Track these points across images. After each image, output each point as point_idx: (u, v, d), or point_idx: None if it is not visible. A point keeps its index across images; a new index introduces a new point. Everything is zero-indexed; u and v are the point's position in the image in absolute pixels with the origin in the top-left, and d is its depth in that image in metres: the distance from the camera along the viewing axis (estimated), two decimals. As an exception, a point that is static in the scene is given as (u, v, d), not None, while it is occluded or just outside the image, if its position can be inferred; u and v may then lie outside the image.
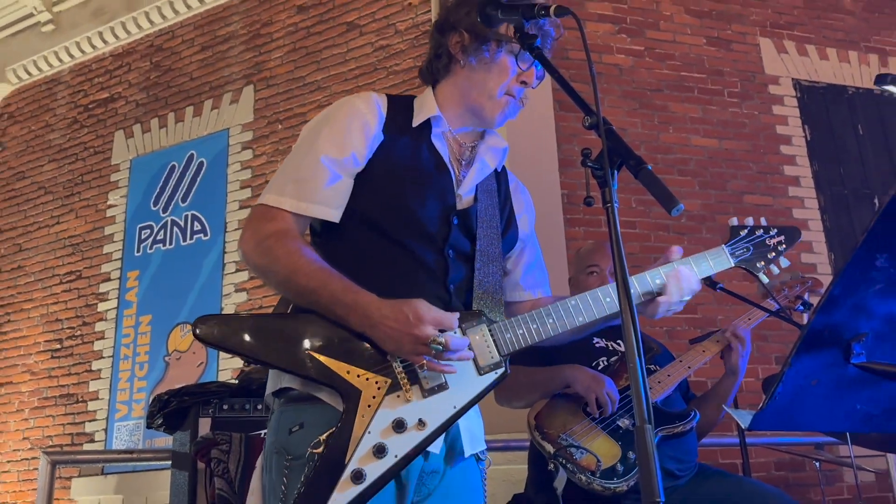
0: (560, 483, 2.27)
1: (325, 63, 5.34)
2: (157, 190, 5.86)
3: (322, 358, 1.41)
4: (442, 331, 1.41)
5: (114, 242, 5.92)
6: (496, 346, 1.51)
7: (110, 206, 6.04)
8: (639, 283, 1.62)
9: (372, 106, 1.62)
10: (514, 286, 1.78)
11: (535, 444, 2.36)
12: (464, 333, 1.49)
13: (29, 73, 6.88)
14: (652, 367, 2.61)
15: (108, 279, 5.84)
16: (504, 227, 1.72)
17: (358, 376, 1.41)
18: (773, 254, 1.75)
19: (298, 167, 1.57)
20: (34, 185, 6.56)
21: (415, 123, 1.65)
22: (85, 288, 5.92)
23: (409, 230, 1.56)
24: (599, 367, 2.48)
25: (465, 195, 1.65)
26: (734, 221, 1.77)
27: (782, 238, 1.77)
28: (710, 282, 2.84)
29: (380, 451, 1.36)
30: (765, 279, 1.77)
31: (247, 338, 1.45)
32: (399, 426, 1.39)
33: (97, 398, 5.56)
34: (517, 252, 1.80)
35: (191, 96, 5.95)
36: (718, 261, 1.70)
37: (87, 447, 5.47)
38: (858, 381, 1.26)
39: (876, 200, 5.19)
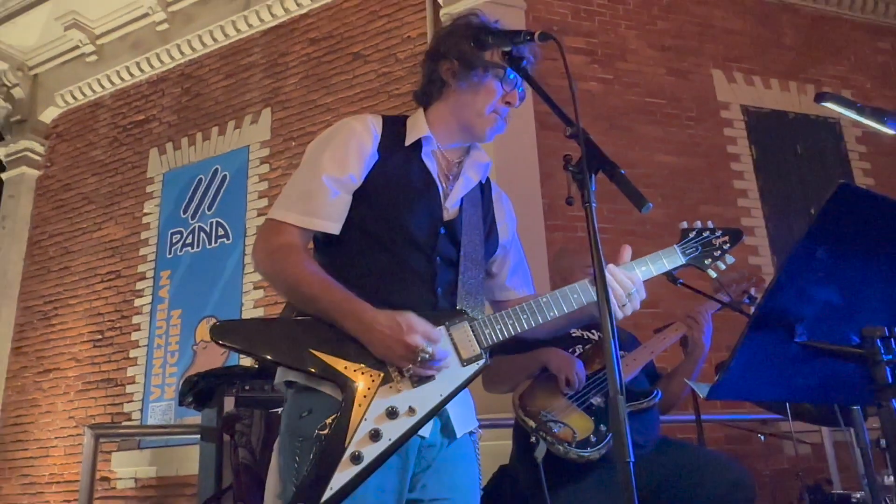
0: (540, 454, 2.25)
1: (334, 88, 5.34)
2: (187, 200, 5.85)
3: (322, 355, 1.42)
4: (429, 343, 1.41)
5: (148, 246, 5.90)
6: (477, 340, 1.51)
7: (145, 214, 6.03)
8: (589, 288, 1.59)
9: (368, 128, 1.61)
10: (502, 287, 1.78)
11: (518, 421, 2.35)
12: (448, 330, 1.49)
13: (75, 98, 6.87)
14: (621, 352, 2.61)
15: (144, 278, 5.82)
16: (487, 233, 1.71)
17: (354, 370, 1.41)
18: (719, 252, 1.74)
19: (303, 185, 1.57)
20: (79, 195, 6.54)
21: (407, 142, 1.64)
22: (123, 286, 5.91)
23: (401, 240, 1.55)
24: (575, 354, 2.47)
25: (451, 207, 1.63)
26: (684, 224, 1.76)
27: (727, 238, 1.75)
28: (671, 278, 2.86)
29: (375, 435, 1.37)
30: (713, 274, 1.76)
31: (256, 341, 1.47)
32: (392, 413, 1.40)
33: (134, 382, 5.54)
34: (501, 256, 1.78)
35: (216, 118, 5.95)
36: (671, 259, 1.69)
37: (125, 424, 5.45)
38: (800, 358, 1.27)
39: (812, 210, 5.21)
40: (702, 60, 5.38)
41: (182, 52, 6.26)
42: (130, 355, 5.64)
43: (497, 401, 3.75)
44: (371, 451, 1.36)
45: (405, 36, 5.13)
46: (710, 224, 1.78)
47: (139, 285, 5.82)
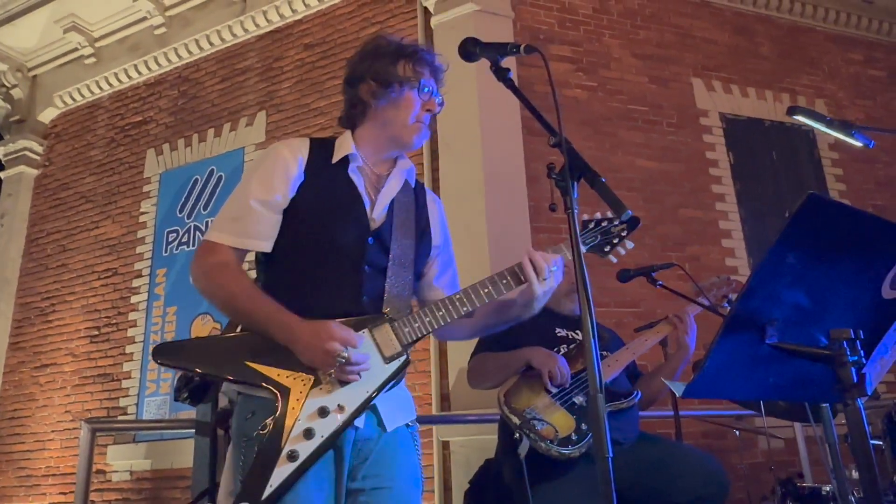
0: (524, 450, 2.27)
1: (327, 92, 5.32)
2: (183, 199, 5.82)
3: (257, 366, 1.50)
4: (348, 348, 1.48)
5: (145, 244, 5.86)
6: (398, 338, 1.57)
7: (142, 213, 5.99)
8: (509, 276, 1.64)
9: (294, 151, 1.67)
10: (430, 287, 1.81)
11: (503, 417, 2.37)
12: (371, 332, 1.56)
13: (73, 99, 6.81)
14: (604, 353, 2.63)
15: (140, 276, 5.79)
16: (420, 235, 1.75)
17: (287, 377, 1.49)
18: (617, 239, 1.77)
19: (234, 208, 1.63)
20: (77, 194, 6.49)
21: (334, 161, 1.68)
22: (120, 283, 5.87)
23: (330, 254, 1.61)
24: (559, 353, 2.48)
25: (378, 217, 1.68)
26: (585, 216, 1.77)
27: (624, 226, 1.78)
28: (651, 280, 2.89)
29: (308, 433, 1.45)
30: (613, 259, 1.79)
31: (195, 359, 1.55)
32: (323, 412, 1.47)
33: (130, 377, 5.50)
34: (432, 258, 1.81)
35: (212, 120, 5.92)
36: (571, 248, 1.71)
37: (121, 419, 5.42)
38: (771, 358, 1.28)
39: (787, 213, 5.25)
40: (682, 69, 5.41)
41: (179, 56, 6.23)
42: (126, 351, 5.60)
43: (483, 396, 3.76)
44: (306, 448, 1.43)
45: (397, 42, 5.13)
46: (608, 214, 1.80)
47: (135, 282, 5.78)
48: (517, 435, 2.29)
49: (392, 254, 1.66)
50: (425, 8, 5.02)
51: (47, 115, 6.91)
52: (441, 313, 1.60)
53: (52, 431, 5.75)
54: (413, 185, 1.80)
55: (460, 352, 4.08)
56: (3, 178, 6.91)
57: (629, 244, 1.73)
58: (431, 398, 4.22)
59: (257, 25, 5.87)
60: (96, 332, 5.84)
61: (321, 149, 1.71)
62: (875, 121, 5.92)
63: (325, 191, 1.65)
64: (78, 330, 5.95)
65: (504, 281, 1.62)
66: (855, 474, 2.50)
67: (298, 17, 5.72)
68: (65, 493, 5.52)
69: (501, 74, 1.56)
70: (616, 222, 1.77)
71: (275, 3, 5.73)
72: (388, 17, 5.27)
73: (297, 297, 1.55)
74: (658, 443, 2.52)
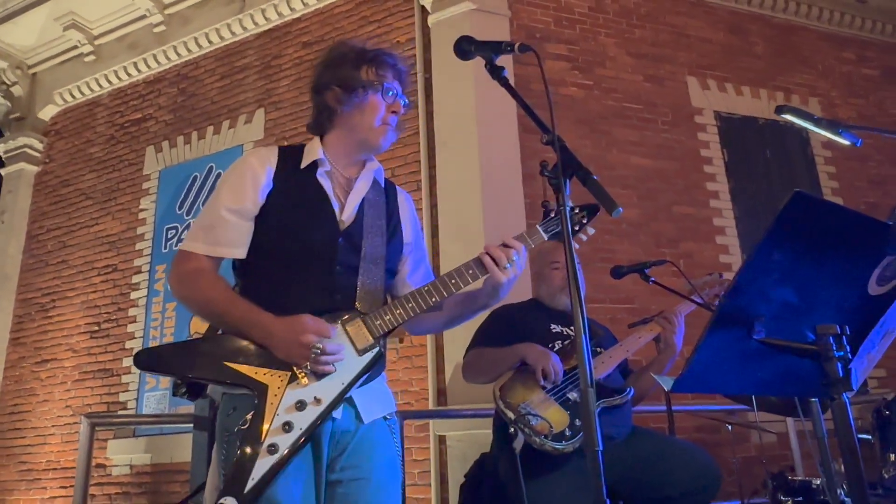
0: (518, 444, 2.29)
1: (326, 91, 5.32)
2: (182, 196, 5.81)
3: (235, 366, 1.53)
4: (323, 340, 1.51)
5: (144, 241, 5.87)
6: (369, 331, 1.61)
7: (142, 210, 5.99)
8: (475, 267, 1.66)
9: (262, 161, 1.70)
10: (403, 283, 1.83)
11: (499, 412, 2.37)
12: (344, 327, 1.59)
13: (73, 97, 6.81)
14: (598, 349, 2.64)
15: (140, 272, 5.79)
16: (392, 233, 1.78)
17: (265, 374, 1.52)
18: (578, 226, 1.76)
19: (207, 218, 1.67)
20: (77, 191, 6.49)
21: (302, 166, 1.71)
22: (120, 279, 5.87)
23: (301, 256, 1.64)
24: (555, 349, 2.49)
25: (347, 218, 1.70)
26: (547, 205, 1.77)
27: (584, 213, 1.78)
28: (644, 276, 2.90)
29: (287, 426, 1.48)
30: (576, 245, 1.75)
31: (175, 364, 1.57)
32: (300, 406, 1.50)
33: (130, 373, 5.51)
34: (405, 255, 1.84)
35: (211, 117, 5.92)
36: (535, 238, 1.71)
37: (120, 413, 5.43)
38: (758, 353, 1.29)
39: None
40: (677, 68, 5.42)
41: (178, 54, 6.22)
42: (126, 346, 5.60)
43: (478, 391, 3.76)
44: (285, 441, 1.47)
45: (394, 41, 5.13)
46: (568, 203, 1.80)
47: (135, 279, 5.78)
48: (512, 429, 2.29)
49: (363, 252, 1.69)
50: (423, 6, 5.02)
51: (47, 113, 6.90)
52: (411, 305, 1.63)
53: (53, 426, 5.76)
54: (383, 185, 1.83)
55: (457, 348, 4.09)
56: (3, 174, 6.91)
57: (590, 230, 1.73)
58: (428, 393, 4.24)
59: (256, 24, 5.86)
60: (96, 328, 5.84)
61: (290, 156, 1.74)
62: (867, 119, 5.93)
63: (293, 196, 1.68)
64: (78, 326, 5.95)
65: (470, 271, 1.65)
66: (843, 468, 2.51)
67: (297, 15, 5.71)
68: (65, 487, 5.53)
69: (496, 73, 1.57)
70: (577, 210, 1.77)
71: (273, 2, 5.72)
72: (386, 15, 5.27)
73: (273, 299, 1.58)
74: (651, 437, 2.52)
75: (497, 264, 1.62)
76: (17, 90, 6.98)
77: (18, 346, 6.26)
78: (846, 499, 2.25)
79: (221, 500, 1.42)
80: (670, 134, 5.18)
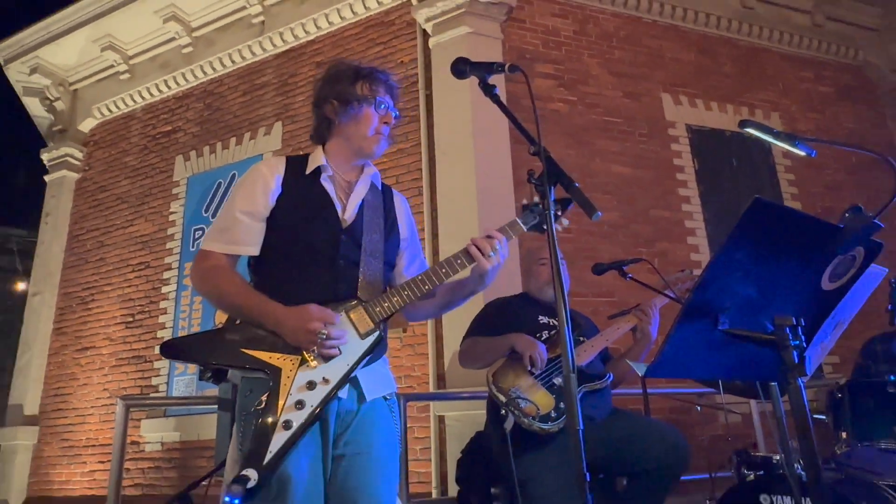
0: (509, 424, 2.29)
1: (337, 106, 5.31)
2: (208, 201, 5.81)
3: (251, 352, 1.54)
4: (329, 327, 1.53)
5: (174, 241, 5.86)
6: (370, 317, 1.62)
7: (172, 213, 5.98)
8: (464, 257, 1.66)
9: (271, 169, 1.72)
10: (400, 274, 1.84)
11: (491, 395, 2.39)
12: (347, 314, 1.60)
13: (110, 111, 6.80)
14: (581, 339, 2.64)
15: (170, 269, 5.78)
16: (389, 230, 1.79)
17: (278, 358, 1.53)
18: (554, 218, 1.71)
19: (223, 221, 1.68)
20: (113, 196, 6.48)
21: (307, 172, 1.73)
22: (152, 275, 5.86)
23: (308, 253, 1.65)
24: (542, 339, 2.50)
25: (349, 217, 1.71)
26: (524, 201, 1.77)
27: (559, 206, 1.73)
28: (621, 273, 2.90)
29: (300, 404, 1.49)
30: (557, 227, 1.74)
31: (198, 352, 1.59)
32: (311, 385, 1.52)
33: (161, 359, 5.50)
34: (401, 250, 1.84)
35: (234, 129, 5.91)
36: (515, 229, 1.72)
37: (152, 396, 5.43)
38: (723, 342, 1.29)
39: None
40: (652, 85, 5.41)
41: (204, 72, 6.22)
42: (158, 335, 5.60)
43: (474, 376, 3.76)
44: (298, 417, 1.48)
45: (399, 61, 5.13)
46: (553, 208, 1.78)
47: (166, 275, 5.78)
48: (503, 411, 2.30)
49: (363, 247, 1.70)
50: (424, 30, 5.01)
51: (87, 125, 6.89)
52: (407, 293, 1.64)
53: (92, 407, 5.76)
54: (380, 188, 1.84)
55: (455, 336, 4.09)
56: (47, 181, 6.90)
57: (565, 222, 1.69)
58: (429, 378, 4.24)
59: (274, 45, 5.85)
60: (131, 319, 5.84)
61: (296, 164, 1.75)
62: (824, 132, 5.93)
63: (300, 198, 1.69)
64: (115, 317, 5.95)
65: (458, 261, 1.66)
66: (799, 445, 2.52)
67: (311, 37, 5.71)
68: (103, 462, 5.54)
69: (488, 90, 1.57)
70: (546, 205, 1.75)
71: (290, 26, 5.72)
72: (391, 38, 5.27)
73: (284, 290, 1.58)
74: (628, 418, 2.53)
75: (482, 253, 1.63)
76: (59, 105, 6.97)
77: (61, 335, 6.26)
78: (801, 472, 2.25)
79: (243, 472, 1.42)
80: (646, 145, 5.18)
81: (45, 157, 6.90)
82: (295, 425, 1.47)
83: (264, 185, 1.69)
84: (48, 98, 6.98)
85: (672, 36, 5.67)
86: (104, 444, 5.58)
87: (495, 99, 1.56)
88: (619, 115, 5.18)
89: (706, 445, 3.73)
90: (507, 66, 1.52)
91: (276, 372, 1.52)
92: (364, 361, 1.60)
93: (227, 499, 1.42)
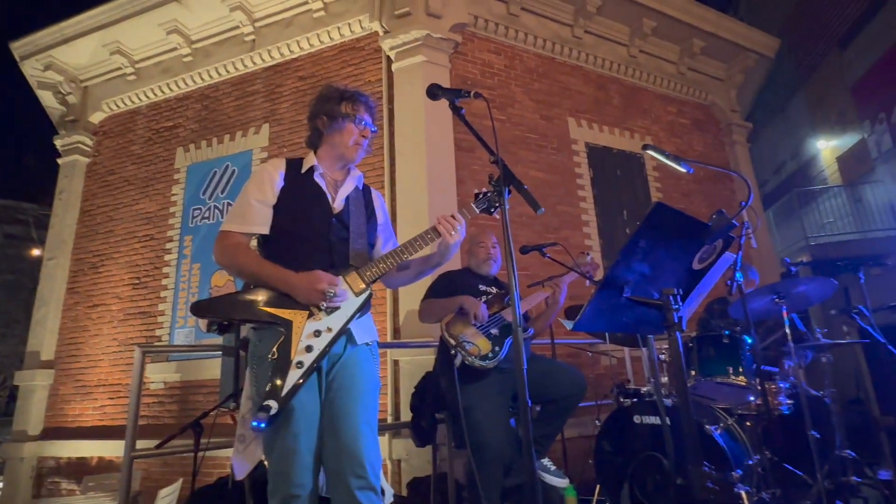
0: (458, 362, 2.35)
1: (316, 113, 5.14)
2: (205, 186, 5.51)
3: (268, 309, 1.55)
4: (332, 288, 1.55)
5: (175, 218, 5.53)
6: (362, 279, 1.64)
7: (173, 195, 5.63)
8: (434, 234, 1.68)
9: (276, 168, 1.74)
10: (378, 251, 1.86)
11: (444, 340, 2.42)
12: (344, 277, 1.62)
13: (118, 106, 6.27)
14: (508, 301, 2.71)
15: (172, 241, 5.47)
16: (369, 217, 1.82)
17: (290, 313, 1.56)
18: (497, 204, 1.75)
19: (240, 207, 1.69)
20: (121, 178, 6.02)
21: (303, 171, 1.75)
22: (156, 246, 5.53)
23: (306, 231, 1.67)
24: (482, 300, 2.54)
25: (337, 206, 1.73)
26: (476, 191, 1.79)
27: (500, 199, 1.79)
28: (541, 252, 2.99)
29: (309, 348, 1.52)
30: (497, 216, 1.74)
31: (224, 310, 1.58)
32: (317, 333, 1.54)
33: (164, 315, 5.23)
34: (379, 233, 1.86)
35: (227, 128, 5.60)
36: (471, 211, 1.75)
37: (163, 344, 5.16)
38: (626, 306, 1.38)
39: (624, 212, 5.52)
40: (561, 111, 5.53)
41: (202, 79, 5.84)
42: (161, 295, 5.31)
43: (422, 328, 3.81)
44: (308, 358, 1.50)
45: (367, 80, 5.00)
46: (506, 205, 1.83)
47: (168, 245, 5.46)
48: (453, 352, 2.35)
49: (351, 229, 1.70)
50: (388, 56, 4.91)
51: (96, 117, 6.34)
52: (390, 261, 1.66)
53: (103, 353, 5.42)
54: (361, 188, 1.84)
55: (407, 299, 4.12)
56: (60, 164, 6.32)
57: (506, 206, 1.75)
58: (387, 331, 4.25)
59: (263, 60, 5.57)
60: (137, 281, 5.50)
61: (294, 164, 1.76)
62: (682, 153, 6.24)
63: (299, 191, 1.70)
64: (122, 279, 5.58)
65: (428, 235, 1.68)
66: (664, 379, 2.70)
67: (294, 56, 5.46)
68: (112, 399, 5.24)
69: (456, 110, 1.59)
70: (492, 193, 1.75)
71: (277, 45, 5.45)
72: (361, 61, 5.12)
73: (288, 262, 1.58)
74: (542, 361, 2.62)
75: (446, 230, 1.65)
76: (71, 99, 6.37)
77: (74, 293, 5.82)
78: (665, 400, 2.42)
79: (265, 402, 1.41)
80: (556, 156, 5.31)
81: (58, 142, 6.30)
82: (306, 364, 1.48)
83: (271, 179, 1.69)
84: (61, 92, 6.36)
85: (577, 74, 5.79)
86: (113, 384, 5.27)
87: (462, 118, 1.58)
88: (536, 132, 5.27)
89: (593, 381, 3.94)
90: (472, 94, 1.54)
91: (288, 324, 1.52)
92: (358, 314, 1.61)
93: (254, 423, 1.40)
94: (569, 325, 2.57)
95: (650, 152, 1.65)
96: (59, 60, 6.16)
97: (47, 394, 5.52)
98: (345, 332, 1.60)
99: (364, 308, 1.65)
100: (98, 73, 6.26)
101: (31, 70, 6.26)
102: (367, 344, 1.71)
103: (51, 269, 5.88)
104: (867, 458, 2.68)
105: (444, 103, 1.62)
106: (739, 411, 2.66)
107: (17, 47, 6.17)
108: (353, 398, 1.60)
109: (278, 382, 1.46)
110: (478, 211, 1.75)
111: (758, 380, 2.44)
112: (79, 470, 5.06)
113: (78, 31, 5.92)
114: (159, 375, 5.03)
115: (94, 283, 5.73)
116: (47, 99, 6.46)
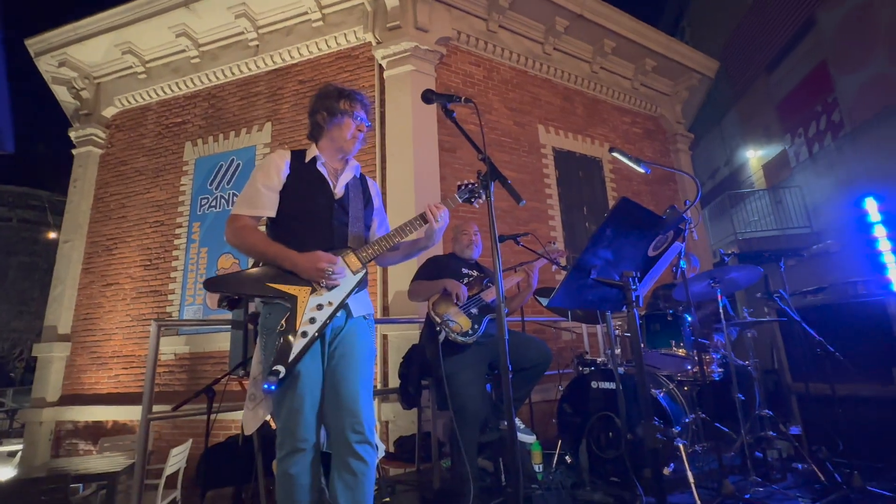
0: (442, 337, 2.36)
1: (315, 114, 5.03)
2: (212, 177, 5.35)
3: (275, 285, 1.55)
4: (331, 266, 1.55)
5: (184, 206, 5.37)
6: (358, 259, 1.64)
7: (182, 185, 5.45)
8: (422, 219, 1.68)
9: (283, 157, 1.72)
10: (374, 234, 1.85)
11: (430, 317, 2.43)
12: (342, 257, 1.62)
13: (129, 102, 6.01)
14: (489, 284, 2.72)
15: (181, 227, 5.31)
16: (365, 203, 1.81)
17: (294, 289, 1.56)
18: (477, 195, 1.77)
19: (249, 193, 1.66)
20: (133, 169, 5.79)
21: (306, 160, 1.73)
22: (167, 231, 5.36)
23: (310, 215, 1.66)
24: (464, 282, 2.56)
25: (338, 192, 1.73)
26: (459, 182, 1.79)
27: (479, 186, 1.80)
28: (515, 241, 3.00)
29: (312, 320, 1.52)
30: (476, 206, 1.78)
31: (234, 285, 1.57)
32: (319, 307, 1.55)
33: (174, 293, 5.10)
34: (374, 218, 1.85)
35: (233, 125, 5.44)
36: (455, 201, 1.75)
37: (176, 318, 5.03)
38: (592, 286, 1.41)
39: (584, 208, 5.60)
40: (532, 118, 5.54)
41: (209, 80, 5.64)
42: (171, 276, 5.17)
43: (409, 307, 3.82)
44: (311, 329, 1.51)
45: (361, 86, 4.92)
46: (472, 180, 1.82)
47: (177, 231, 5.30)
48: (438, 329, 2.37)
49: (350, 213, 1.69)
50: (380, 64, 4.83)
51: (109, 112, 6.07)
52: (383, 243, 1.66)
53: (117, 328, 5.26)
54: (359, 177, 1.83)
55: (396, 280, 4.11)
56: (75, 154, 6.04)
57: (492, 198, 1.75)
58: (377, 308, 4.24)
59: (266, 64, 5.41)
60: (148, 263, 5.34)
61: (298, 155, 1.74)
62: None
63: (303, 178, 1.68)
64: (135, 261, 5.41)
65: (417, 222, 1.68)
66: (618, 351, 2.77)
67: (295, 61, 5.32)
68: (126, 368, 5.11)
69: (448, 114, 1.58)
70: (476, 184, 1.75)
71: (279, 50, 5.30)
72: (356, 67, 5.03)
73: (293, 243, 1.57)
74: (514, 335, 2.64)
75: (433, 217, 1.65)
76: (84, 94, 6.08)
77: (89, 273, 5.61)
78: (619, 369, 2.49)
79: (274, 367, 1.40)
80: (527, 158, 5.33)
81: (72, 134, 6.01)
82: (309, 334, 1.49)
83: (277, 167, 1.66)
84: (75, 87, 6.06)
85: (547, 86, 5.81)
86: (127, 355, 5.13)
87: (453, 120, 1.58)
88: (510, 136, 5.27)
89: (556, 354, 4.01)
90: (463, 99, 1.53)
91: (293, 299, 1.52)
92: (355, 291, 1.61)
93: (265, 386, 1.40)
94: (544, 301, 2.60)
95: (615, 154, 1.68)
96: (73, 58, 5.86)
97: (64, 364, 5.34)
98: (344, 306, 1.60)
99: (361, 285, 1.66)
100: (110, 70, 5.99)
101: (46, 66, 5.94)
102: (364, 317, 1.71)
103: (66, 250, 5.65)
104: (781, 417, 2.83)
105: (430, 109, 1.63)
106: (679, 377, 2.76)
107: (33, 44, 5.84)
108: (352, 365, 1.61)
109: (286, 349, 1.45)
110: (460, 200, 1.74)
111: (696, 351, 2.53)
112: (95, 432, 4.93)
113: (91, 31, 5.64)
114: (170, 348, 4.91)
115: (109, 263, 5.53)
116: (61, 93, 6.15)
